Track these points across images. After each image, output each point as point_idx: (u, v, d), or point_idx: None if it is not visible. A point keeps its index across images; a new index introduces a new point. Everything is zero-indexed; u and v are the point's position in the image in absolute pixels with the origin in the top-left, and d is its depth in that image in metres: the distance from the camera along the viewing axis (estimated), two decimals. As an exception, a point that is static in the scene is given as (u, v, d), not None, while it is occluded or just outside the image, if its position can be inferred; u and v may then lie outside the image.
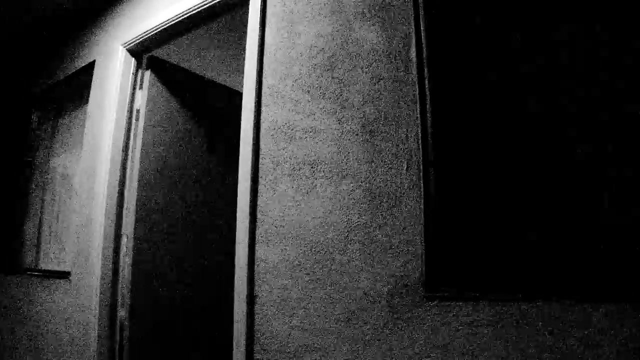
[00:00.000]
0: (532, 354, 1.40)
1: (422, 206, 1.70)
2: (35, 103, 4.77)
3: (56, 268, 3.91)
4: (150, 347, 3.14)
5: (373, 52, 1.95)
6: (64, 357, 3.32)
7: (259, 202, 2.19)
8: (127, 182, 3.20)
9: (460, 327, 1.55)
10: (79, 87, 4.11)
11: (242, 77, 4.28)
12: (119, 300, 3.10)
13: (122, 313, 3.10)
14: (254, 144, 2.23)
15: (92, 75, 3.75)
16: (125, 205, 3.19)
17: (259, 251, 2.14)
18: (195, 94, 3.56)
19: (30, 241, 4.41)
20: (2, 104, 5.47)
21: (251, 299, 2.12)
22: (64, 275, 3.51)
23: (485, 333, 1.49)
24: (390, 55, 1.89)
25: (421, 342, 1.62)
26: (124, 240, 3.14)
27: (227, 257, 3.55)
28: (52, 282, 3.66)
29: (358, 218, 1.85)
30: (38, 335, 3.68)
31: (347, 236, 1.86)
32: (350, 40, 2.03)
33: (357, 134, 1.91)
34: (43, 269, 4.09)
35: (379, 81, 1.91)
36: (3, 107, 5.43)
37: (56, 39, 4.52)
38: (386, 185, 1.80)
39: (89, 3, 3.84)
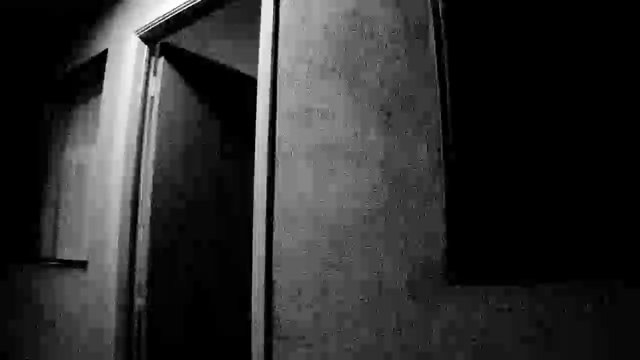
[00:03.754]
0: (561, 338, 1.37)
1: (443, 188, 1.67)
2: (48, 94, 4.78)
3: (73, 258, 3.93)
4: (168, 335, 3.14)
5: (389, 31, 1.91)
6: (82, 346, 3.33)
7: (275, 187, 2.17)
8: (143, 170, 3.19)
9: (483, 312, 1.52)
10: (92, 77, 4.11)
11: (256, 63, 4.25)
12: (136, 289, 3.10)
13: (139, 302, 3.10)
14: (270, 129, 2.20)
15: (105, 64, 3.74)
16: (140, 194, 3.19)
17: (277, 237, 2.12)
18: (209, 80, 3.53)
19: (48, 231, 4.44)
20: (16, 96, 5.49)
21: (269, 285, 2.10)
22: (81, 264, 3.53)
23: (510, 317, 1.46)
24: (407, 35, 1.85)
25: (443, 326, 1.59)
26: (140, 229, 3.14)
27: (247, 243, 3.53)
28: (69, 271, 3.68)
29: (377, 202, 1.82)
30: (56, 323, 3.70)
31: (365, 221, 1.84)
32: (365, 20, 1.99)
33: (374, 116, 1.88)
34: (60, 258, 4.11)
35: (395, 61, 1.87)
36: (17, 99, 5.45)
37: (68, 28, 4.52)
38: (406, 167, 1.77)
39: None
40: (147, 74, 3.28)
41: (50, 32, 4.73)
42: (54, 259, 4.15)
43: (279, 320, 2.06)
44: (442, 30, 1.78)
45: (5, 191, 5.22)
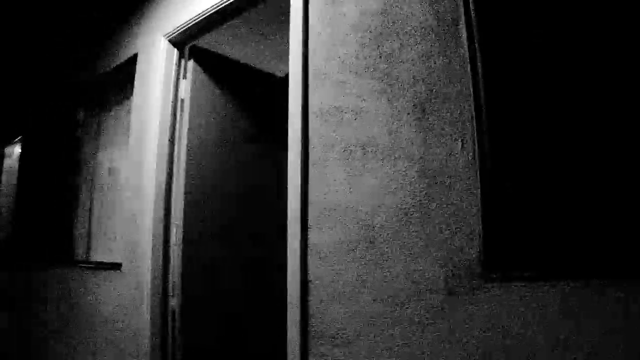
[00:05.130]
0: (600, 336, 1.35)
1: (478, 184, 1.66)
2: (80, 98, 4.85)
3: (107, 259, 3.98)
4: (202, 335, 3.17)
5: (421, 28, 1.90)
6: (118, 346, 3.38)
7: (309, 186, 2.17)
8: (175, 172, 3.23)
9: (521, 309, 1.50)
10: (122, 81, 4.16)
11: (285, 64, 4.27)
12: (170, 289, 3.14)
13: (173, 302, 3.13)
14: (302, 128, 2.21)
15: (135, 68, 3.78)
16: (173, 196, 3.22)
17: (311, 236, 2.12)
18: (238, 82, 3.56)
19: (82, 234, 4.50)
20: (49, 100, 5.59)
21: (304, 284, 2.10)
22: (116, 266, 3.57)
23: (548, 314, 1.44)
24: (439, 31, 1.84)
25: (480, 324, 1.58)
26: (174, 230, 3.17)
27: (281, 243, 3.54)
28: (104, 273, 3.73)
29: (412, 199, 1.81)
30: (92, 324, 3.75)
31: (401, 218, 1.83)
32: (397, 18, 1.99)
33: (408, 113, 1.87)
34: (94, 260, 4.17)
35: (428, 58, 1.86)
36: (50, 103, 5.54)
37: (99, 34, 4.58)
38: (440, 164, 1.76)
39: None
40: (177, 77, 3.31)
41: (82, 38, 4.80)
42: (89, 261, 4.21)
43: (314, 319, 2.06)
44: (474, 25, 1.77)
45: (42, 195, 5.32)
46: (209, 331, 3.20)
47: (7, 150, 7.01)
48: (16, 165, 6.45)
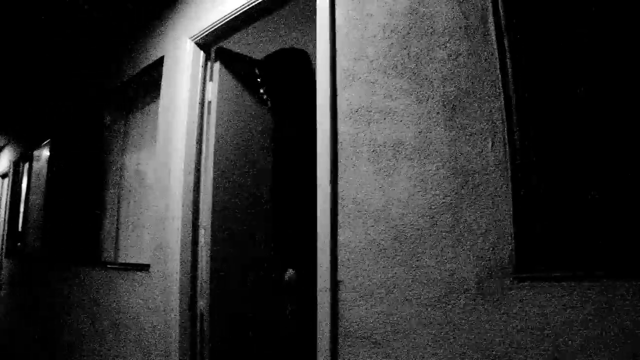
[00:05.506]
0: (636, 336, 1.33)
1: (509, 183, 1.65)
2: (107, 101, 4.92)
3: (135, 261, 4.02)
4: (231, 335, 3.19)
5: (449, 27, 1.90)
6: (146, 346, 3.41)
7: (339, 187, 2.18)
8: (202, 174, 3.25)
9: (554, 309, 1.49)
10: (148, 83, 4.21)
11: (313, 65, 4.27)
12: (198, 290, 3.16)
13: (201, 303, 3.16)
14: (331, 129, 2.22)
15: (161, 71, 3.82)
16: (201, 197, 3.25)
17: (342, 236, 2.13)
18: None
19: (109, 235, 4.56)
20: (77, 103, 5.67)
21: (335, 284, 2.11)
22: (144, 267, 3.61)
23: (582, 314, 1.43)
24: (467, 29, 1.84)
25: (512, 325, 1.57)
26: (202, 232, 3.20)
27: (310, 244, 3.55)
28: (132, 274, 3.78)
29: (443, 199, 1.81)
30: (121, 325, 3.80)
31: (432, 218, 1.83)
32: (425, 17, 1.98)
33: (438, 113, 1.87)
34: (123, 262, 4.22)
35: (457, 57, 1.85)
36: (78, 106, 5.62)
37: (125, 37, 4.64)
38: (471, 163, 1.75)
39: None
40: (204, 79, 3.34)
41: (109, 42, 4.86)
42: (117, 262, 4.27)
43: (344, 320, 2.07)
44: (503, 23, 1.76)
45: (70, 196, 5.39)
46: (237, 332, 3.22)
47: (36, 153, 7.13)
48: (45, 167, 6.55)
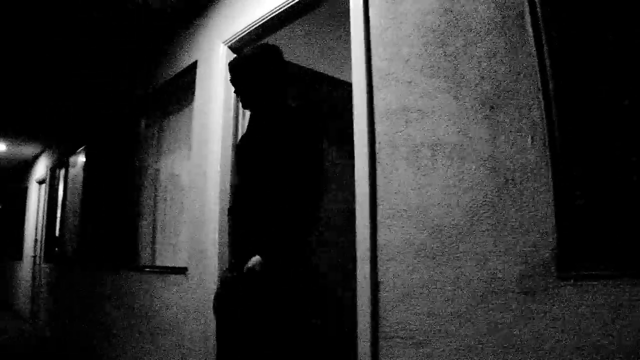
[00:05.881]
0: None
1: (551, 181, 1.64)
2: (141, 106, 4.99)
3: (172, 264, 4.07)
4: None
5: (485, 25, 1.89)
6: (184, 349, 3.45)
7: (377, 187, 2.18)
8: (238, 176, 3.27)
9: (599, 309, 1.47)
10: (182, 87, 4.26)
11: (346, 67, 4.28)
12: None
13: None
14: (368, 130, 2.22)
15: (195, 75, 3.88)
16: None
17: (381, 237, 2.14)
18: (301, 86, 3.59)
19: (146, 239, 4.62)
20: (111, 109, 5.76)
21: (375, 285, 2.12)
22: (181, 271, 3.66)
23: (629, 314, 1.41)
24: (504, 26, 1.83)
25: (556, 324, 1.56)
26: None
27: (348, 246, 3.55)
28: (169, 277, 3.83)
29: (483, 198, 1.80)
30: (158, 328, 3.85)
31: (472, 217, 1.82)
32: (460, 15, 1.98)
33: (476, 111, 1.87)
34: (160, 265, 4.28)
35: (494, 55, 1.85)
36: (112, 113, 5.72)
37: (159, 43, 4.71)
38: (511, 161, 1.74)
39: (188, 3, 3.96)
40: (239, 84, 3.37)
41: (143, 49, 4.94)
42: (154, 266, 4.33)
43: (385, 320, 2.07)
44: (540, 19, 1.75)
45: (106, 201, 5.48)
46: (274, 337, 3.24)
47: (72, 159, 7.27)
48: (80, 173, 6.68)
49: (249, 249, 2.17)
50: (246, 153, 2.37)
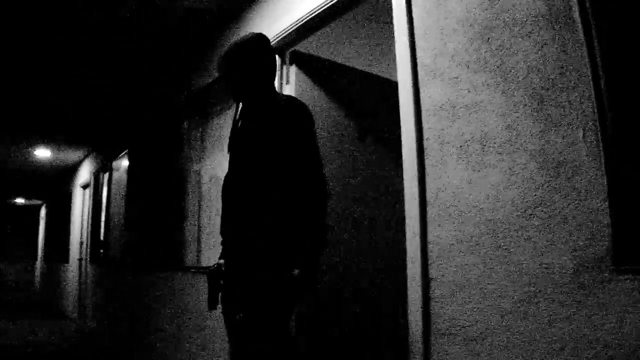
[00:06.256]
0: None
1: (604, 174, 1.62)
2: (184, 109, 5.07)
3: (218, 265, 4.12)
4: (321, 337, 3.23)
5: (531, 17, 1.88)
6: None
7: (427, 184, 2.19)
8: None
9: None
10: (224, 90, 4.30)
11: (387, 64, 4.29)
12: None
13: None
14: (416, 126, 2.23)
15: (237, 76, 3.91)
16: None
17: (431, 233, 2.14)
18: (341, 84, 3.61)
19: (191, 240, 4.69)
20: (153, 113, 5.87)
21: (426, 282, 2.12)
22: (228, 271, 3.69)
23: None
24: (551, 18, 1.82)
25: (613, 319, 1.54)
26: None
27: (393, 244, 3.55)
28: (216, 278, 3.87)
29: (535, 192, 1.80)
30: (206, 328, 3.91)
31: (524, 211, 1.82)
32: (505, 8, 1.97)
33: (525, 105, 1.86)
34: (205, 266, 4.34)
35: (541, 47, 1.84)
36: (155, 116, 5.81)
37: (201, 45, 4.78)
38: (562, 155, 1.73)
39: (229, 5, 4.01)
40: (281, 82, 3.41)
41: (185, 51, 5.02)
42: (199, 267, 4.39)
43: (437, 317, 2.08)
44: (589, 8, 1.73)
45: (150, 204, 5.58)
46: (327, 333, 3.26)
47: (115, 163, 7.42)
48: (124, 177, 6.81)
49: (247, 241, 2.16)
50: (244, 144, 2.30)
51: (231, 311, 2.20)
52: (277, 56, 3.47)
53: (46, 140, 9.09)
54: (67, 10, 4.21)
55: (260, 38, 2.35)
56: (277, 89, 3.36)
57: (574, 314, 1.64)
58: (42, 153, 9.97)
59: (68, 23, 4.46)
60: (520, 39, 1.91)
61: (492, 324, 1.88)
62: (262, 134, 2.21)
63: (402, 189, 2.27)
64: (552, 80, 1.79)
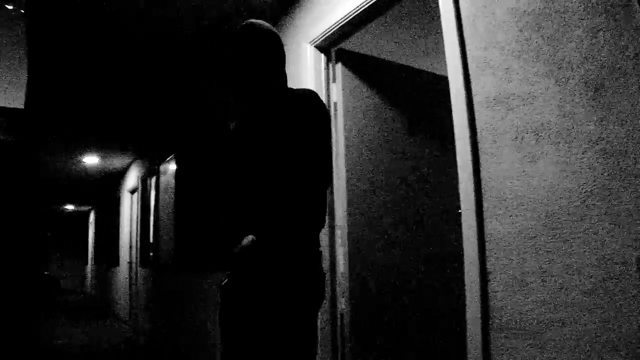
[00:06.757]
0: None
1: (667, 160, 1.59)
2: (230, 109, 5.12)
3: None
4: (372, 335, 3.24)
5: (583, 4, 1.85)
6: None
7: (482, 177, 2.18)
8: (335, 173, 3.30)
9: None
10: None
11: (433, 58, 4.28)
12: (338, 291, 3.24)
13: (341, 304, 3.23)
14: (468, 118, 2.22)
15: (283, 76, 3.94)
16: (335, 198, 3.30)
17: (488, 226, 2.13)
18: (387, 80, 3.61)
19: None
20: (199, 116, 5.94)
21: (484, 276, 2.11)
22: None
23: None
24: (605, 3, 1.78)
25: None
26: (338, 232, 3.26)
27: (443, 237, 3.54)
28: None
29: (594, 182, 1.77)
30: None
31: (583, 202, 1.79)
32: (556, -3, 1.95)
33: (580, 94, 1.83)
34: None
35: (596, 34, 1.81)
36: (201, 119, 5.89)
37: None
38: (621, 143, 1.70)
39: (272, 6, 4.05)
40: (327, 81, 3.43)
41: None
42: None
43: (495, 311, 2.07)
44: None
45: (198, 206, 5.66)
46: (379, 333, 3.27)
47: (162, 167, 7.56)
48: (172, 180, 6.93)
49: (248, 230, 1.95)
50: (258, 146, 2.08)
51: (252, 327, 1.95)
52: (322, 55, 3.50)
53: (95, 147, 9.32)
54: (119, 26, 4.32)
55: (271, 28, 2.19)
56: (324, 87, 3.38)
57: (639, 306, 1.61)
58: (91, 160, 10.23)
59: (120, 37, 4.58)
60: (572, 27, 1.88)
61: (554, 317, 1.85)
62: (276, 134, 2.04)
63: (452, 183, 2.26)
64: (608, 67, 1.76)
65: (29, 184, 10.39)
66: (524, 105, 2.02)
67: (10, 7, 4.42)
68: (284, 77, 2.18)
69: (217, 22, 4.35)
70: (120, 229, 11.81)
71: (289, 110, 2.05)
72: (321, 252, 2.05)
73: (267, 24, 2.18)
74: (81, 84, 5.94)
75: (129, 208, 10.79)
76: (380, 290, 3.32)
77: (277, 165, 2.00)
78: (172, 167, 6.97)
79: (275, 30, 2.21)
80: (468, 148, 2.20)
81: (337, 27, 3.24)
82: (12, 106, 6.52)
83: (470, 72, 2.26)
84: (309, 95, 2.09)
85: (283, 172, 1.98)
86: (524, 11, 2.06)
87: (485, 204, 2.15)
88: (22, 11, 4.23)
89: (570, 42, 1.88)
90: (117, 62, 5.32)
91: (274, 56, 2.14)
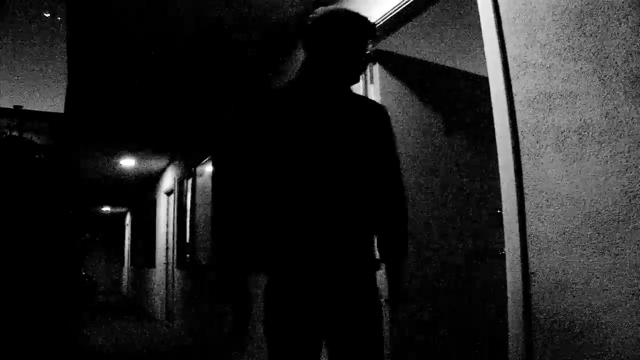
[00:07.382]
0: None
1: None
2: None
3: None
4: (422, 336, 3.23)
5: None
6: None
7: (523, 178, 2.16)
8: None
9: None
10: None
11: (469, 58, 4.25)
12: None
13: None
14: (509, 119, 2.21)
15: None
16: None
17: (530, 227, 2.12)
18: (424, 80, 3.61)
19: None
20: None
21: (526, 277, 2.10)
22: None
23: None
24: (653, -1, 1.76)
25: None
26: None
27: (482, 238, 3.52)
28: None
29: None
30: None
31: (630, 201, 1.76)
32: (600, -7, 1.92)
33: (625, 92, 1.80)
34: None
35: (641, 31, 1.78)
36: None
37: (278, 50, 4.88)
38: (670, 141, 1.68)
39: (307, 11, 4.08)
40: (366, 82, 3.44)
41: (258, 57, 5.13)
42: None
43: (538, 313, 2.05)
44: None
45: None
46: (426, 330, 3.26)
47: (199, 169, 7.65)
48: (208, 182, 7.01)
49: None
50: (343, 145, 1.89)
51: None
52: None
53: (131, 150, 9.49)
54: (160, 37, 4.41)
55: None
56: (362, 88, 3.39)
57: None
58: (127, 162, 10.42)
59: (156, 43, 4.67)
60: (616, 22, 1.85)
61: (597, 319, 1.83)
62: (364, 136, 1.95)
63: (492, 183, 2.25)
64: (654, 63, 1.73)
65: (69, 186, 10.62)
66: (566, 104, 2.00)
67: (47, 15, 4.54)
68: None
69: (252, 22, 4.41)
70: (156, 231, 11.98)
71: (368, 117, 2.02)
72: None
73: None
74: (118, 89, 6.08)
75: (165, 210, 10.94)
76: (427, 291, 3.31)
77: (358, 170, 1.90)
78: (208, 168, 7.05)
79: None
80: (509, 148, 2.19)
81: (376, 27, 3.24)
82: (53, 111, 6.67)
83: (511, 71, 2.25)
84: (383, 108, 2.16)
85: (364, 178, 1.91)
86: (565, 8, 2.04)
87: (527, 204, 2.14)
88: (59, 18, 4.35)
89: (614, 38, 1.86)
90: (153, 67, 5.42)
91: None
